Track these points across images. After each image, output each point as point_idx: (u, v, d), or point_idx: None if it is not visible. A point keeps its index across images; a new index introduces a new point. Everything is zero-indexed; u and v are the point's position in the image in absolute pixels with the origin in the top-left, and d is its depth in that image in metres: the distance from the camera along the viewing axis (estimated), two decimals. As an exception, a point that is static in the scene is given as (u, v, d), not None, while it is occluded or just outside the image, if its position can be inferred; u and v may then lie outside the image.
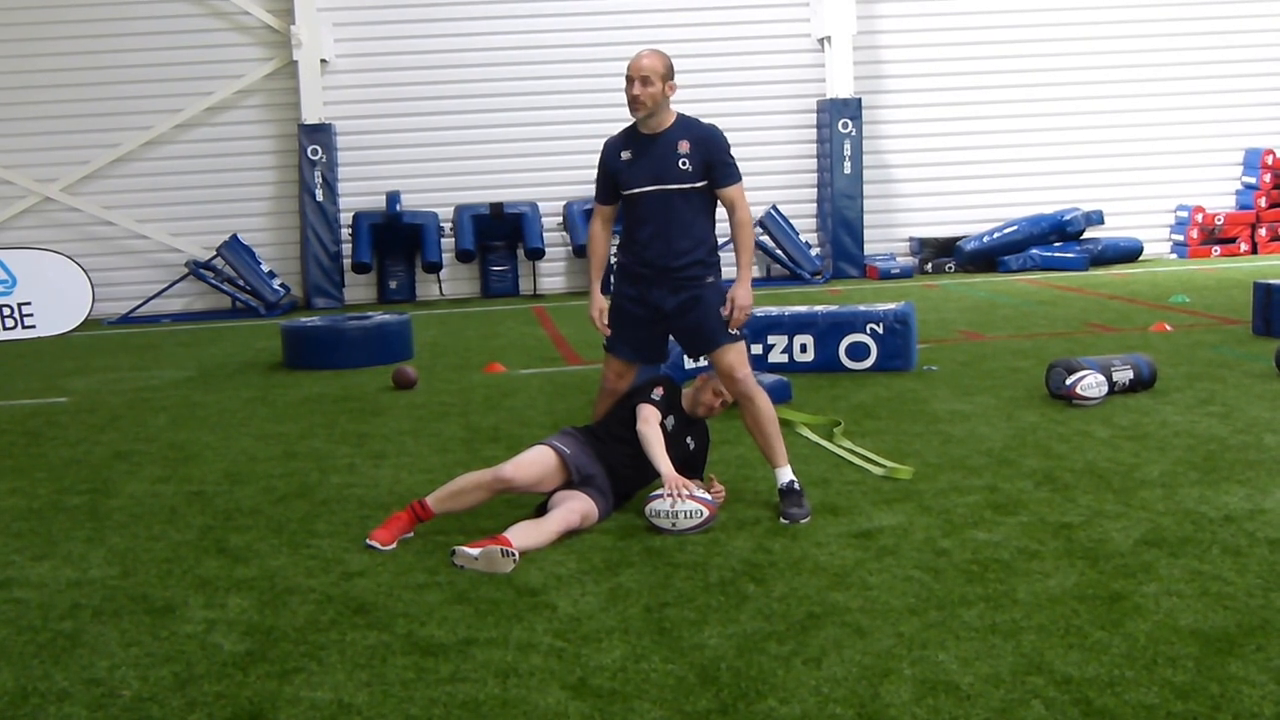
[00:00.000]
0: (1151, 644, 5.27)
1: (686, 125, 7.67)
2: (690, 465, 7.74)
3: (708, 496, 7.31)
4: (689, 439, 7.82)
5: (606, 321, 7.87)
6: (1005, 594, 5.94)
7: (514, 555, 6.61)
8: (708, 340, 7.72)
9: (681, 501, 7.13)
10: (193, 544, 7.37)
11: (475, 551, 6.64)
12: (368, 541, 7.15)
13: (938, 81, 22.78)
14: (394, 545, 7.10)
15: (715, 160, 7.60)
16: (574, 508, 7.21)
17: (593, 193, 8.12)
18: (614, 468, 7.53)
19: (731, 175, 7.65)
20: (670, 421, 7.70)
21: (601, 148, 7.86)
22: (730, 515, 7.42)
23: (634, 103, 7.49)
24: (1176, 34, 23.00)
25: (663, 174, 7.57)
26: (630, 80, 7.47)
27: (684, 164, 7.56)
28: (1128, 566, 6.25)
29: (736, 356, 7.66)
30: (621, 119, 7.88)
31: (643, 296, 7.76)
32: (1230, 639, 5.29)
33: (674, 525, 7.13)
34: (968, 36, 22.73)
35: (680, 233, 7.61)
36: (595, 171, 7.94)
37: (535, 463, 7.40)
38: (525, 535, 6.92)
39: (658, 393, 7.77)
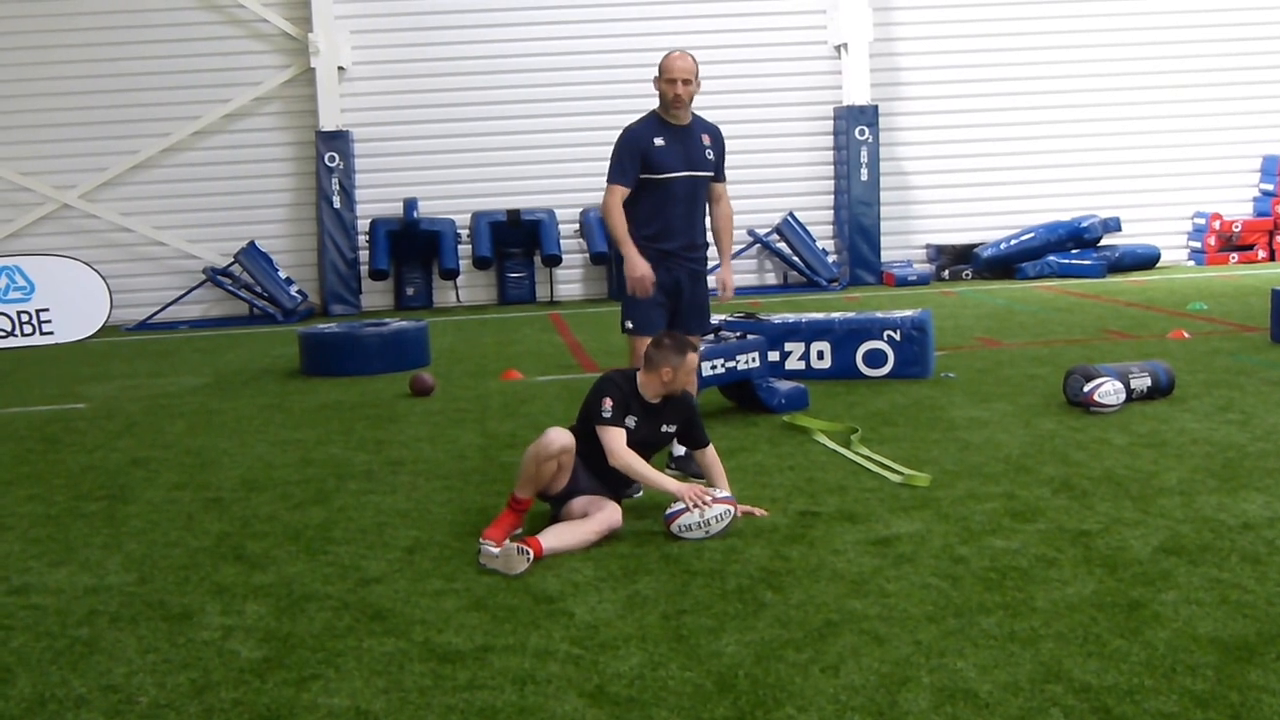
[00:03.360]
0: (1171, 652, 5.25)
1: (703, 122, 8.68)
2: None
3: (726, 493, 7.28)
4: (663, 426, 7.63)
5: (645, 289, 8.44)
6: (1023, 602, 5.92)
7: (528, 554, 6.64)
8: (703, 322, 8.91)
9: (707, 509, 7.12)
10: (210, 550, 7.38)
11: (496, 550, 6.69)
12: (482, 541, 6.93)
13: (954, 89, 22.80)
14: (505, 543, 6.88)
15: (722, 156, 8.77)
16: (614, 509, 7.23)
17: None
18: (597, 470, 7.49)
19: (724, 171, 8.83)
20: (632, 422, 7.52)
21: (625, 133, 8.48)
22: (747, 523, 7.39)
23: (677, 101, 8.34)
24: (1194, 40, 22.99)
25: (694, 161, 8.51)
26: (674, 81, 8.29)
27: (709, 154, 8.60)
28: (1146, 574, 6.23)
29: (698, 340, 8.70)
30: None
31: (664, 278, 8.50)
32: (1250, 647, 5.27)
33: (708, 533, 7.13)
34: (984, 44, 22.75)
35: (701, 216, 8.71)
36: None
37: (564, 432, 7.33)
38: (561, 536, 6.97)
39: (607, 405, 7.45)
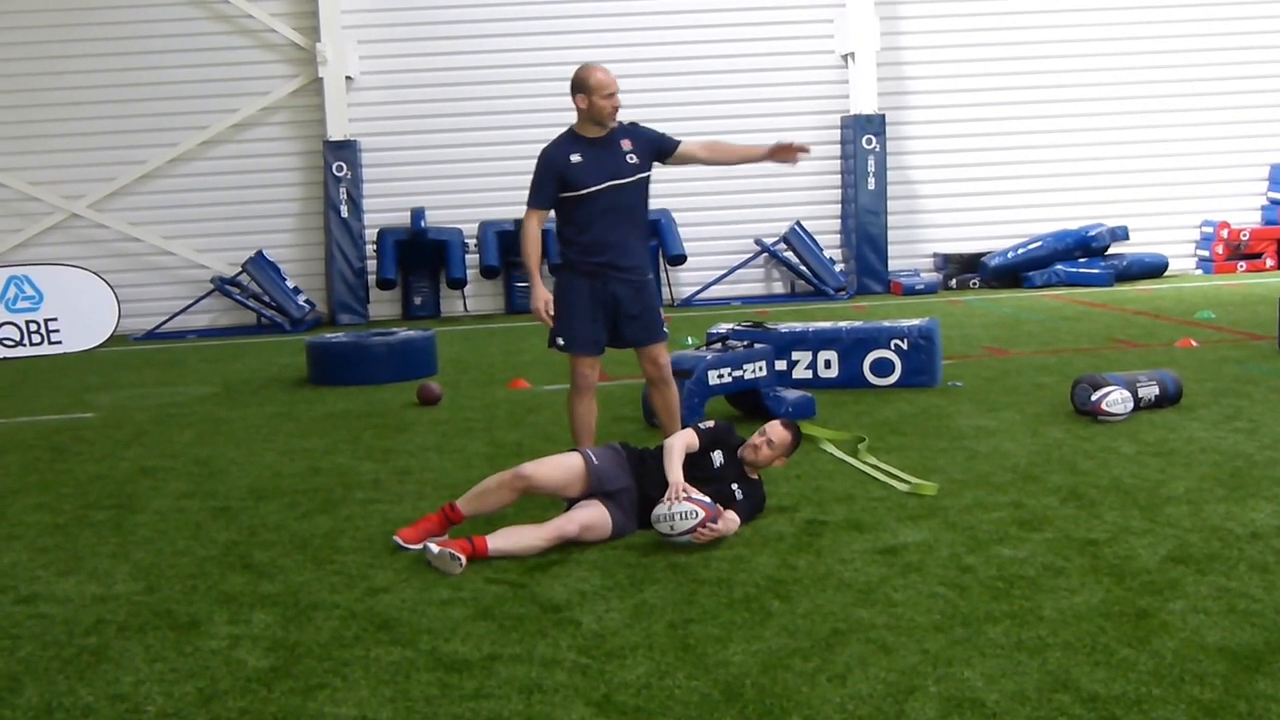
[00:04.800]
0: (1178, 661, 5.24)
1: (621, 127, 8.67)
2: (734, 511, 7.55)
3: (706, 499, 7.21)
4: (736, 486, 7.62)
5: (552, 313, 8.61)
6: (1031, 611, 5.91)
7: (460, 560, 6.83)
8: (652, 331, 8.81)
9: (677, 504, 7.11)
10: (217, 559, 7.39)
11: (436, 549, 6.92)
12: (395, 538, 7.38)
13: (961, 97, 22.79)
14: (420, 545, 7.22)
15: (654, 138, 8.74)
16: (574, 517, 7.27)
17: None
18: (648, 493, 7.45)
19: (671, 137, 8.80)
20: (718, 456, 7.69)
21: (541, 155, 8.60)
22: (754, 531, 7.41)
23: (615, 113, 8.47)
24: (1202, 49, 22.96)
25: (616, 170, 8.51)
26: (613, 95, 8.41)
27: (631, 158, 8.56)
28: (1154, 583, 6.22)
29: (664, 349, 8.93)
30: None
31: (598, 292, 8.59)
32: (1258, 656, 5.26)
33: (672, 529, 7.10)
34: (991, 52, 22.75)
35: (635, 225, 8.72)
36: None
37: (559, 466, 7.50)
38: (510, 539, 7.10)
39: (707, 424, 7.90)
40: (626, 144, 8.58)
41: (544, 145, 8.66)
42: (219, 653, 5.84)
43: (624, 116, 8.69)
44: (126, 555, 7.55)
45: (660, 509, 7.16)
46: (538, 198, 8.58)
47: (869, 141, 22.04)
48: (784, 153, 8.92)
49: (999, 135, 22.89)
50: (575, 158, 8.48)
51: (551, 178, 8.51)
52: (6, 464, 10.51)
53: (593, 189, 8.46)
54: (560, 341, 8.73)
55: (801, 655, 5.50)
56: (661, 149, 8.73)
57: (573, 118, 8.64)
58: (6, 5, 21.60)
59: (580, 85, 8.43)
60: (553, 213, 8.73)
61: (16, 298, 19.15)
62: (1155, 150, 23.15)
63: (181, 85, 21.70)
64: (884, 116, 22.18)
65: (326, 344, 14.55)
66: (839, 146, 22.64)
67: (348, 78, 21.60)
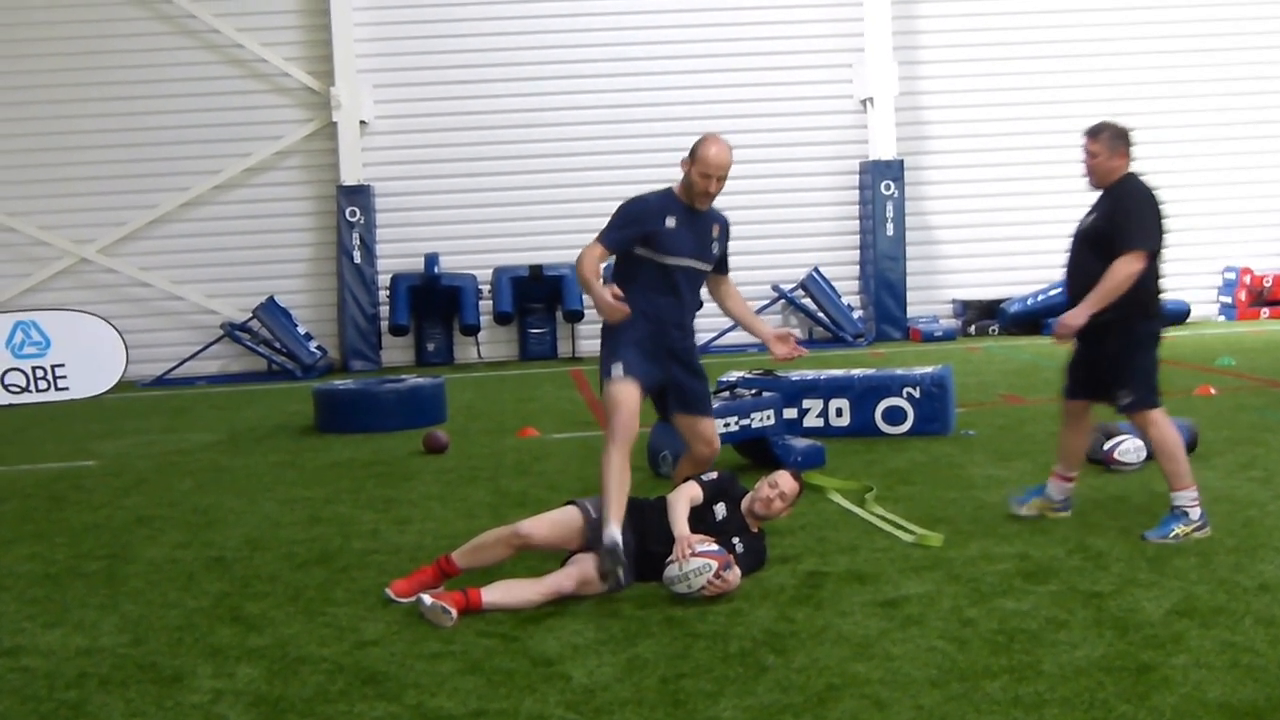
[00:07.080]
0: (1178, 718, 5.11)
1: (715, 211, 7.99)
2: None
3: (714, 548, 7.08)
4: (738, 540, 7.45)
5: (620, 296, 7.54)
6: (1030, 665, 5.78)
7: (451, 614, 6.74)
8: (704, 402, 8.06)
9: (687, 561, 6.97)
10: (207, 611, 7.29)
11: (429, 601, 6.84)
12: (386, 591, 7.29)
13: (980, 142, 22.77)
14: (412, 598, 7.12)
15: (727, 248, 8.11)
16: (571, 573, 7.17)
17: None
18: (648, 547, 7.32)
19: (728, 263, 8.21)
20: (721, 509, 7.56)
21: (635, 202, 7.80)
22: (754, 584, 7.29)
23: (706, 197, 7.72)
24: (1222, 94, 22.89)
25: (701, 252, 7.85)
26: (709, 177, 7.64)
27: (715, 248, 7.96)
28: (1157, 637, 6.08)
29: (714, 427, 8.22)
30: (658, 180, 8.09)
31: (659, 339, 7.78)
32: (1259, 713, 5.13)
33: (690, 588, 6.98)
34: (1009, 98, 22.74)
35: (693, 309, 8.02)
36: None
37: (557, 522, 7.40)
38: (507, 593, 7.03)
39: (710, 475, 7.77)
40: (716, 230, 7.90)
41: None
42: (200, 708, 5.74)
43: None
44: (115, 606, 7.46)
45: (672, 571, 7.03)
46: (612, 237, 7.71)
47: (887, 187, 22.01)
48: (781, 343, 8.13)
49: (1018, 180, 22.81)
50: (670, 221, 7.67)
51: (637, 228, 7.67)
52: (3, 513, 10.46)
53: (677, 260, 7.71)
54: (615, 370, 7.60)
55: (793, 711, 5.37)
56: (724, 261, 8.10)
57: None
58: (18, 50, 21.73)
59: (693, 151, 7.69)
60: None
61: (24, 343, 19.15)
62: (1176, 196, 22.83)
63: (194, 129, 21.81)
64: (902, 162, 22.16)
65: (333, 391, 14.51)
66: (857, 192, 22.62)
67: (362, 122, 21.66)
